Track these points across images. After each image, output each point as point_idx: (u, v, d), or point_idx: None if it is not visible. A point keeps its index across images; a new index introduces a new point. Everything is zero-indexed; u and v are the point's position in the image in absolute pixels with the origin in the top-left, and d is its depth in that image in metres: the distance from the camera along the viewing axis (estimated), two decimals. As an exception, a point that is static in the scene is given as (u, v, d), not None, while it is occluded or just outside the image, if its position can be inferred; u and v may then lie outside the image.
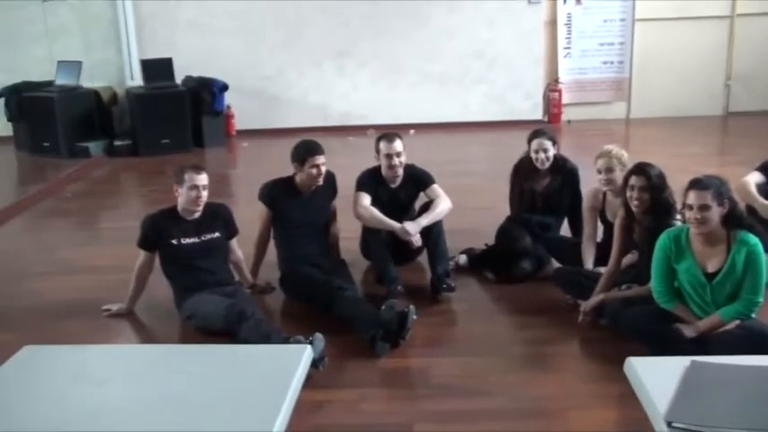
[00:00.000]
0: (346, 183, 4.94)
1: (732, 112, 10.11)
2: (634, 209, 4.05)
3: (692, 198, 3.54)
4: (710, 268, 3.60)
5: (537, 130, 5.04)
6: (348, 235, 5.05)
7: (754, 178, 4.88)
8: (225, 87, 9.33)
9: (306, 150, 4.58)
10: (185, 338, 4.18)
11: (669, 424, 1.98)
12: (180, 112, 9.14)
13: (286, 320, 4.46)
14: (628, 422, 3.34)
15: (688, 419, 1.98)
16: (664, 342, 3.57)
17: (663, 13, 9.79)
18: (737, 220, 3.60)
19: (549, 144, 4.87)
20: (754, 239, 3.56)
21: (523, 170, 5.04)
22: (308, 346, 2.54)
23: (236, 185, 8.20)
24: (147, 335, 4.44)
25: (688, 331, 3.62)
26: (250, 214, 4.85)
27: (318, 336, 3.77)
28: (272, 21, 9.73)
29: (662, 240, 3.71)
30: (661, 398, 2.09)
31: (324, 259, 4.69)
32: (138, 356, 2.72)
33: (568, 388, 3.64)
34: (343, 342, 3.99)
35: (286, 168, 4.73)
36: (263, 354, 2.61)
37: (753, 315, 3.60)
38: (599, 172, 4.51)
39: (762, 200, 4.74)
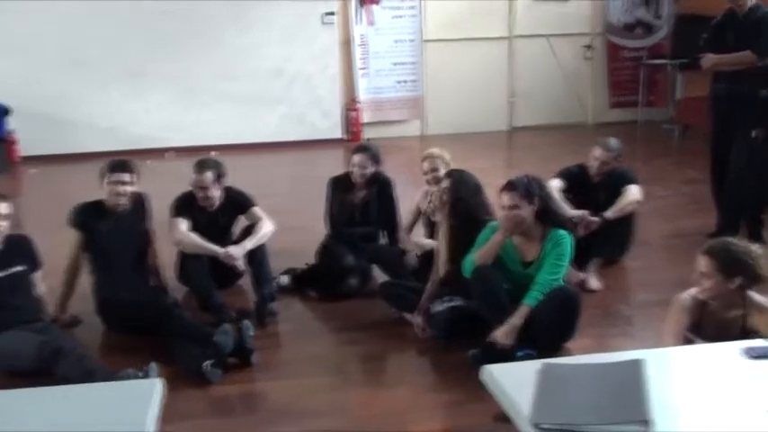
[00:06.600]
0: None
1: (516, 126, 10.76)
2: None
3: (504, 200, 3.85)
4: (528, 257, 3.93)
5: (360, 146, 5.21)
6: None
7: (556, 184, 5.20)
8: (7, 111, 8.65)
9: (107, 166, 4.43)
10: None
11: (536, 426, 2.04)
12: (-46, 138, 8.38)
13: (106, 354, 4.17)
14: (466, 428, 3.41)
15: (553, 419, 2.05)
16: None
17: (448, 35, 10.25)
18: (549, 215, 3.92)
19: (368, 162, 4.99)
20: (565, 234, 3.90)
21: (341, 183, 5.12)
22: (158, 380, 2.39)
23: (23, 215, 7.59)
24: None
25: (505, 339, 3.76)
26: (44, 245, 4.42)
27: (152, 365, 3.60)
28: (54, 40, 9.12)
29: (486, 232, 3.98)
30: (523, 402, 2.15)
31: (142, 285, 4.48)
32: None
33: (404, 401, 3.66)
34: (171, 371, 3.75)
35: (78, 194, 4.51)
36: (108, 393, 2.39)
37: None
38: (425, 173, 4.79)
39: (568, 208, 5.05)
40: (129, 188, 4.43)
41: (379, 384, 3.89)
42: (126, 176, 4.42)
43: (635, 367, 2.28)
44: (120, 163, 4.48)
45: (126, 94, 9.51)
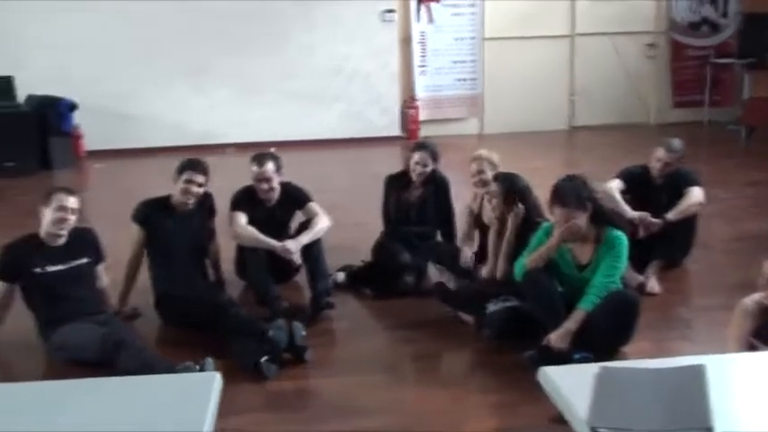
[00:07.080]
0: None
1: (576, 126, 10.63)
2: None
3: (557, 214, 3.76)
4: (583, 261, 3.85)
5: (420, 143, 5.17)
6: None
7: (616, 185, 5.13)
8: (73, 106, 8.88)
9: (183, 165, 4.50)
10: (52, 373, 3.87)
11: (593, 429, 2.02)
12: (23, 133, 8.60)
13: (162, 347, 4.23)
14: (521, 429, 3.38)
15: (610, 423, 2.03)
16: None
17: (509, 32, 10.17)
18: (602, 215, 3.85)
19: (428, 159, 4.96)
20: (619, 235, 3.80)
21: (397, 181, 5.11)
22: (217, 374, 2.42)
23: (88, 209, 7.77)
24: (4, 372, 4.10)
25: (560, 342, 3.71)
26: (109, 239, 4.53)
27: (209, 360, 3.65)
28: (122, 37, 9.33)
29: (539, 235, 3.92)
30: (579, 404, 2.13)
31: (200, 281, 4.54)
32: (26, 396, 2.39)
33: (458, 401, 3.65)
34: (226, 365, 3.79)
35: (141, 189, 4.56)
36: (168, 385, 2.44)
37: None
38: (472, 175, 4.75)
39: (629, 209, 4.98)
40: (200, 190, 4.50)
41: (433, 383, 3.88)
42: (200, 177, 4.48)
43: (696, 373, 2.23)
44: (196, 163, 4.54)
45: (190, 90, 9.67)
